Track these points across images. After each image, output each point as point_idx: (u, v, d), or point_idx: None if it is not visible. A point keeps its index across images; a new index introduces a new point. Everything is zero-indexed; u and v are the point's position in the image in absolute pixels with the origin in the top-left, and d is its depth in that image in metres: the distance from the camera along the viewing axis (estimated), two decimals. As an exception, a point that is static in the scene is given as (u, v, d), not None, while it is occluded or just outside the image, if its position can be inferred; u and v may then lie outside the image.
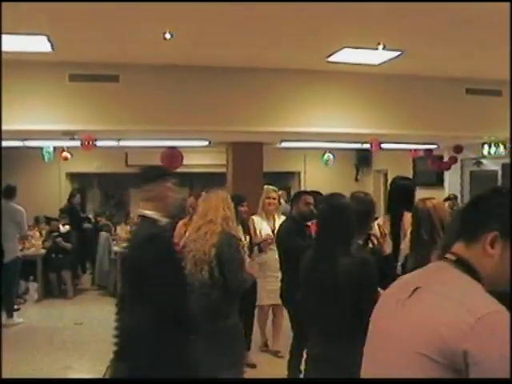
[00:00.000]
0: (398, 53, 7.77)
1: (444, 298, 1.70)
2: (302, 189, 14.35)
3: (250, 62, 8.46)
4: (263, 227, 7.27)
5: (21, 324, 9.16)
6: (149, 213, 3.85)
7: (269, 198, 7.41)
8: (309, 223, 6.30)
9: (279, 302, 6.72)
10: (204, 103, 8.72)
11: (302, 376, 6.13)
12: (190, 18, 6.29)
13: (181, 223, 6.56)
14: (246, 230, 7.03)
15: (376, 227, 4.55)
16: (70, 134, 9.23)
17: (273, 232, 7.14)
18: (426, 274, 1.91)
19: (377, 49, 7.34)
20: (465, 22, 6.40)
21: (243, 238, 6.79)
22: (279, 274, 6.51)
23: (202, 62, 8.41)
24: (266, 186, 7.70)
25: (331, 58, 8.10)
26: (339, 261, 3.67)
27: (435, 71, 9.11)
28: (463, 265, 1.81)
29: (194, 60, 8.31)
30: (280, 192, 8.26)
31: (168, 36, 6.67)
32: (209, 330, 4.57)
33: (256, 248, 7.07)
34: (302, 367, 6.08)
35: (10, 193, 9.40)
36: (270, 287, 7.15)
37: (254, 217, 7.35)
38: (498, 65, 8.37)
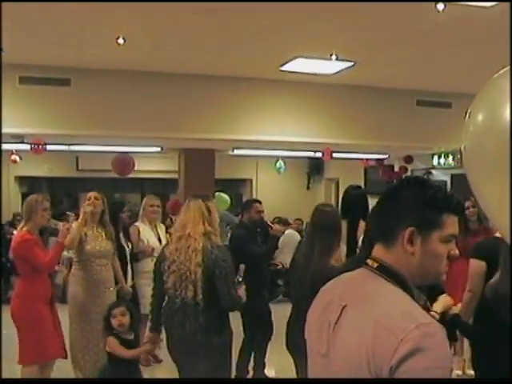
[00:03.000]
0: (351, 64, 7.84)
1: (368, 320, 1.58)
2: (254, 196, 14.39)
3: (203, 69, 8.43)
4: (150, 237, 7.01)
5: None
6: None
7: (152, 205, 7.13)
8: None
9: None
10: (156, 109, 8.68)
11: (250, 375, 6.15)
12: (143, 23, 6.25)
13: (74, 225, 6.10)
14: (129, 238, 6.94)
15: None
16: (19, 137, 9.07)
17: (159, 241, 6.96)
18: (350, 287, 1.77)
19: (330, 59, 7.40)
20: (416, 35, 6.52)
21: (126, 246, 6.81)
22: None
23: (155, 68, 8.36)
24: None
25: (284, 67, 8.14)
26: (314, 264, 3.81)
27: (387, 83, 9.24)
28: (385, 271, 1.68)
29: (147, 66, 8.26)
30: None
31: (121, 41, 6.62)
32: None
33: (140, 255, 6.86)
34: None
35: None
36: None
37: (137, 224, 7.09)
38: (449, 78, 8.55)
